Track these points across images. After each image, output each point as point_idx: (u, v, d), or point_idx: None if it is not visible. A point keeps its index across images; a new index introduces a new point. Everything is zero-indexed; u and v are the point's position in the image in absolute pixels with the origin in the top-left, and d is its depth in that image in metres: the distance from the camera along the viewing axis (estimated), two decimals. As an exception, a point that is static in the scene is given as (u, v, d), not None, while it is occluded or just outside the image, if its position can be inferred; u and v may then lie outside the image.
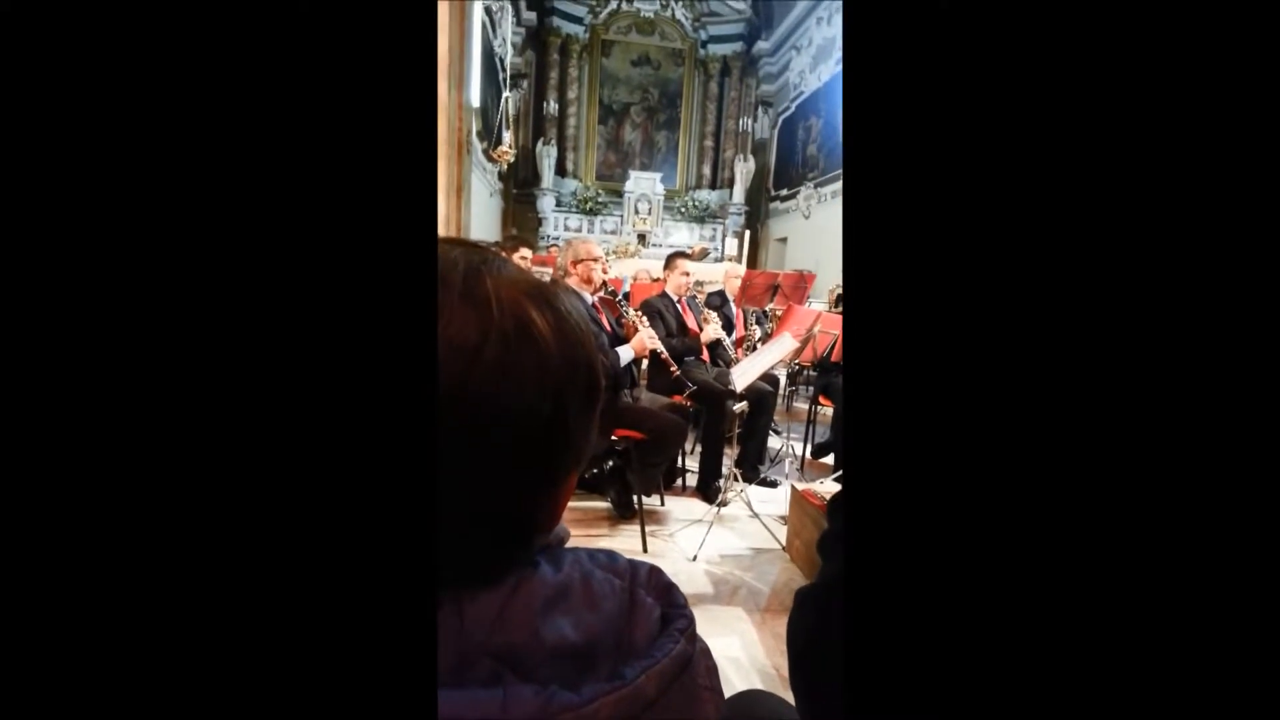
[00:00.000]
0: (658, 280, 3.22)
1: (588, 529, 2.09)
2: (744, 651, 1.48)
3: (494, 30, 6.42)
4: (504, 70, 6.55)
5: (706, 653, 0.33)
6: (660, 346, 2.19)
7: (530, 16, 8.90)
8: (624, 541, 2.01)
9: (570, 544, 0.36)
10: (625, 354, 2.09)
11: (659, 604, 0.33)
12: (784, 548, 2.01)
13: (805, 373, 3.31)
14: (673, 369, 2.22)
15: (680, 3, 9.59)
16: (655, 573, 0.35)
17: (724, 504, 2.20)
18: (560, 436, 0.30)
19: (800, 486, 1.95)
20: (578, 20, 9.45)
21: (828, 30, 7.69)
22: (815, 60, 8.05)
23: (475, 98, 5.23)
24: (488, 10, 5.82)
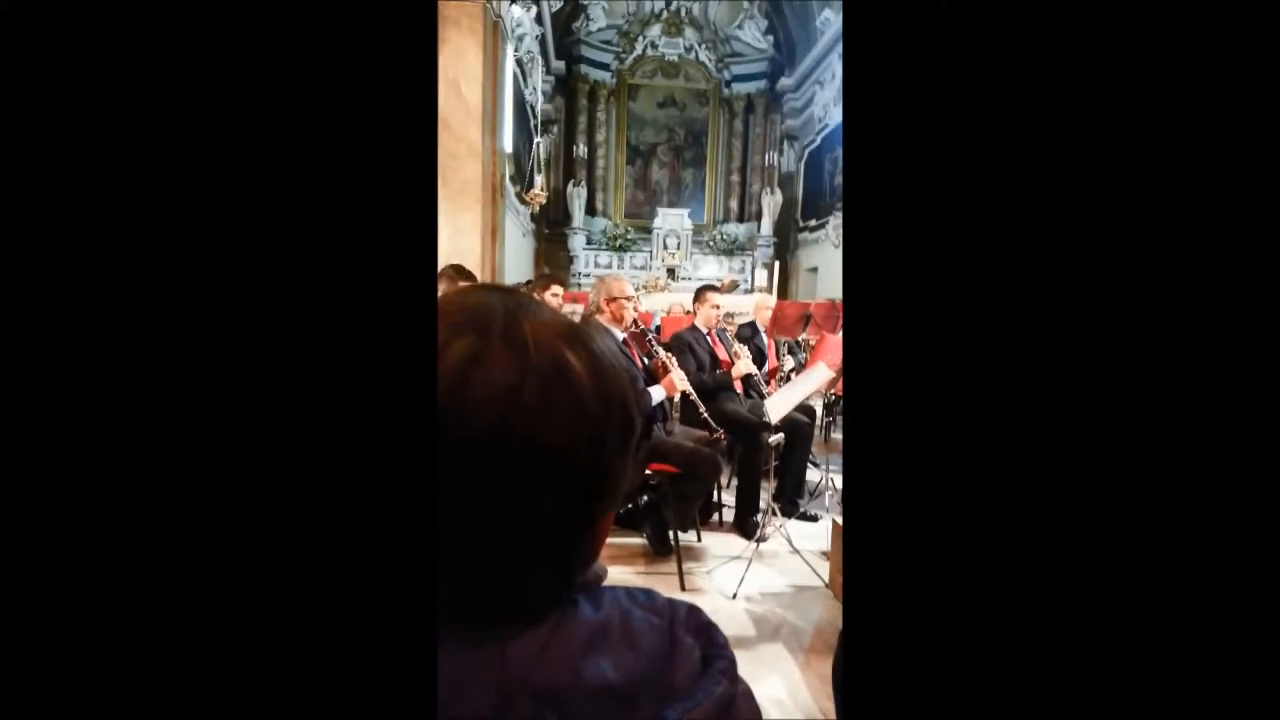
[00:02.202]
0: (689, 314, 3.24)
1: (623, 566, 2.06)
2: (787, 693, 1.42)
3: (525, 80, 6.75)
4: (535, 117, 6.84)
5: (748, 694, 0.33)
6: (689, 388, 2.17)
7: (559, 65, 9.34)
8: (660, 580, 1.97)
9: (606, 582, 0.36)
10: (656, 394, 2.10)
11: (699, 644, 0.33)
12: (827, 585, 1.93)
13: (841, 403, 3.24)
14: (701, 411, 2.19)
15: (704, 45, 9.91)
16: (694, 612, 0.35)
17: (763, 539, 2.15)
18: (598, 474, 0.30)
19: (842, 521, 1.89)
20: (604, 67, 9.85)
21: (850, 64, 7.78)
22: (839, 93, 8.15)
23: (508, 144, 5.48)
24: (519, 61, 6.14)
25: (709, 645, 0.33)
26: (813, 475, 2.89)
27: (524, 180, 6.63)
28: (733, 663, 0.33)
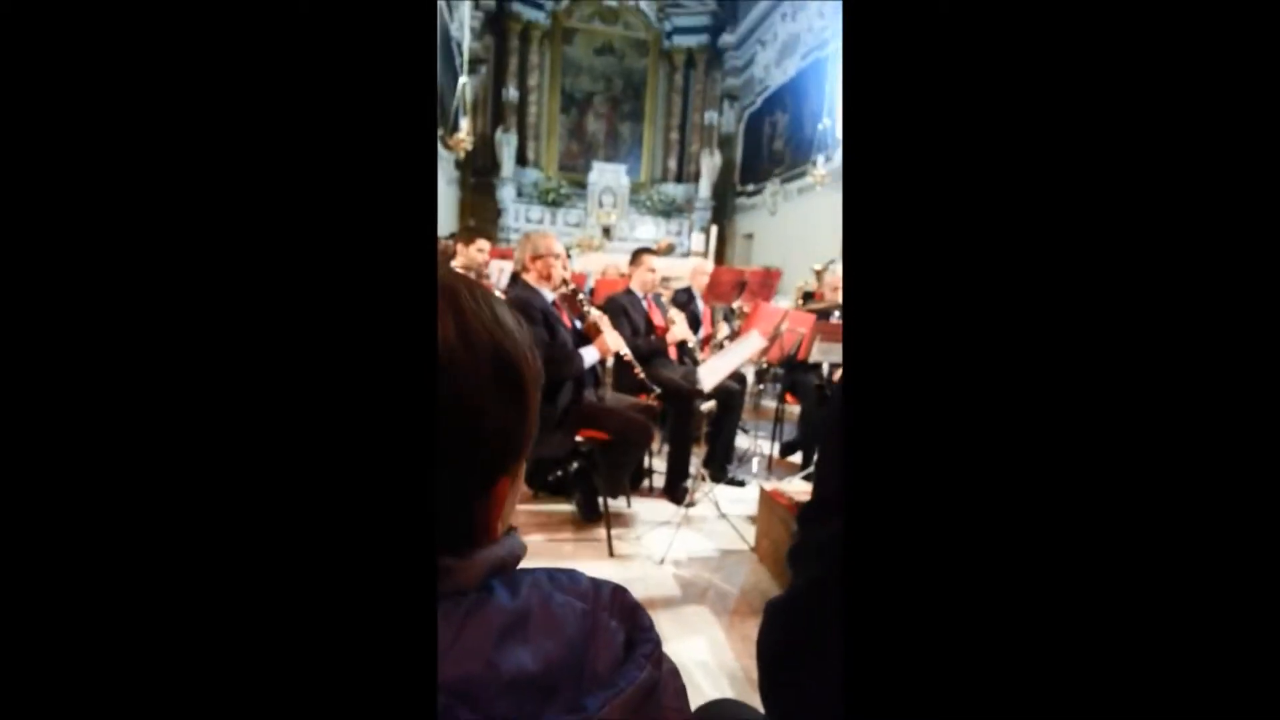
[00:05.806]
0: (625, 275, 3.16)
1: (552, 533, 2.03)
2: (712, 654, 1.46)
3: (450, 13, 6.18)
4: (461, 55, 6.30)
5: (675, 673, 0.33)
6: (625, 348, 2.12)
7: (489, 1, 8.63)
8: (589, 546, 1.96)
9: (533, 549, 0.34)
10: (590, 355, 2.03)
11: (623, 627, 0.32)
12: (752, 549, 1.99)
13: (772, 370, 3.30)
14: (637, 371, 2.16)
15: (644, -9, 9.48)
16: (619, 593, 0.34)
17: (692, 505, 2.18)
18: (470, 434, 0.29)
19: (768, 486, 1.94)
20: (539, 6, 9.21)
21: (792, 25, 7.73)
22: (780, 55, 8.08)
23: (432, 82, 5.02)
24: (445, -9, 5.58)
25: (633, 628, 0.32)
26: (742, 442, 2.96)
27: (448, 123, 6.14)
28: (657, 645, 0.32)
